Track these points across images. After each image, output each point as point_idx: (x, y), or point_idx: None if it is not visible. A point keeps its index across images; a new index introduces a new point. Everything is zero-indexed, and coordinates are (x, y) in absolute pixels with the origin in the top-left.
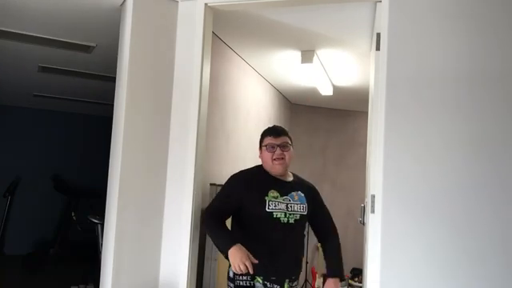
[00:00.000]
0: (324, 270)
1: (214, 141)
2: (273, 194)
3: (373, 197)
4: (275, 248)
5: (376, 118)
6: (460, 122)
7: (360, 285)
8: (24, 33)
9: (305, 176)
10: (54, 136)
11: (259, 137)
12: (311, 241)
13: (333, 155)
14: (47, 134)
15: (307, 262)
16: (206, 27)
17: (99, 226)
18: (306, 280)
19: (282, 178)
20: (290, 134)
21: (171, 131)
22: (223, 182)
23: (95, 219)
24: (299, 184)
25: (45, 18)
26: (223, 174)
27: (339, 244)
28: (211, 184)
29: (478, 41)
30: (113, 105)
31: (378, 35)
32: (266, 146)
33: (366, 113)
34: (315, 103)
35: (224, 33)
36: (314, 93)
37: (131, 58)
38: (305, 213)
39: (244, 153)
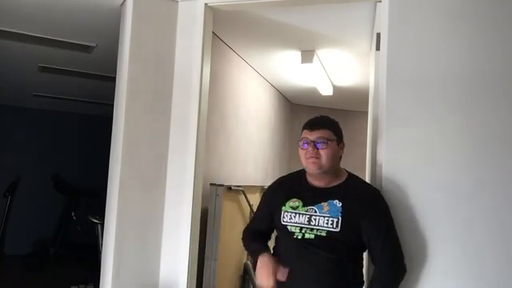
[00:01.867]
0: None
1: (214, 141)
2: (293, 203)
3: None
4: (292, 271)
5: (376, 118)
6: (460, 122)
7: None
8: (24, 33)
9: None
10: (53, 136)
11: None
12: None
13: None
14: (47, 133)
15: None
16: (206, 27)
17: (99, 225)
18: None
19: (317, 183)
20: (338, 126)
21: (171, 131)
22: (223, 182)
23: (95, 219)
24: (344, 190)
25: (45, 17)
26: (223, 174)
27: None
28: (211, 184)
29: (479, 40)
30: (113, 105)
31: (378, 35)
32: (299, 140)
33: (366, 113)
34: (315, 103)
35: (224, 33)
36: (313, 93)
37: (131, 57)
38: (336, 229)
39: (244, 153)
